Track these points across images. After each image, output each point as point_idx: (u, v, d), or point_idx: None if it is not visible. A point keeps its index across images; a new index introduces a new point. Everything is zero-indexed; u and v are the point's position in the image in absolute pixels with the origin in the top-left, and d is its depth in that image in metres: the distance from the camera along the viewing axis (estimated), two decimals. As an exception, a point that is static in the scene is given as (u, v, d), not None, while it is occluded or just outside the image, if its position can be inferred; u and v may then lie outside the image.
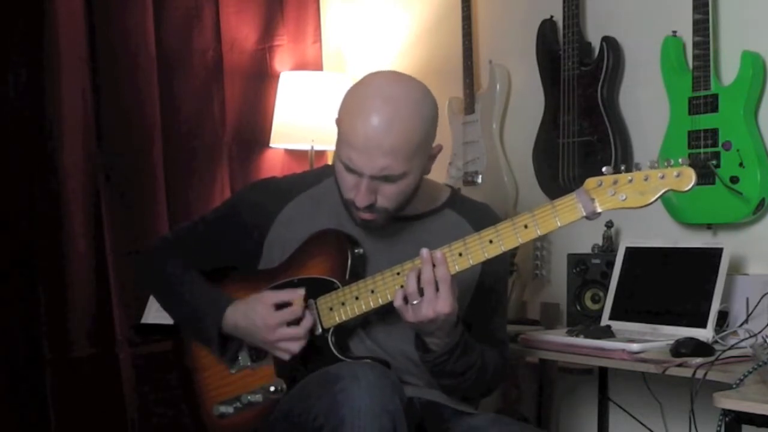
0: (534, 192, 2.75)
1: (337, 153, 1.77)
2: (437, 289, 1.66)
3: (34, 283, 2.80)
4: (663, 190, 1.57)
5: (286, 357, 1.80)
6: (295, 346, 1.78)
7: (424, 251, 1.67)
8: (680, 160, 1.57)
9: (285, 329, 1.78)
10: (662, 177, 1.57)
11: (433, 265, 1.66)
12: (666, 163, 1.58)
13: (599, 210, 1.61)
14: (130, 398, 2.91)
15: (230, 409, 1.90)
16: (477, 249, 1.67)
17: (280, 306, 1.80)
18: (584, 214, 1.61)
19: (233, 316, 1.85)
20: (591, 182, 1.62)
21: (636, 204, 1.59)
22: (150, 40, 3.04)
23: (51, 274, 2.82)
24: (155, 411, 2.93)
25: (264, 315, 1.79)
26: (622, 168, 1.61)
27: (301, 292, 1.79)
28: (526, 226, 1.65)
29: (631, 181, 1.58)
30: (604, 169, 1.61)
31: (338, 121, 1.78)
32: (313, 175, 2.01)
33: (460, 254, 1.68)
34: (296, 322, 1.79)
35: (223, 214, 2.00)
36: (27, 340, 2.78)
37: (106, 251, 2.89)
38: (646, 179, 1.58)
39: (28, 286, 2.80)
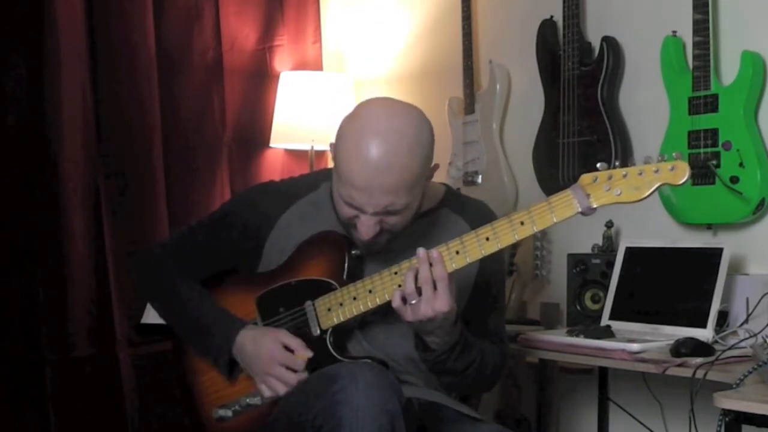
0: (534, 192, 2.74)
1: (336, 187, 1.76)
2: (435, 288, 1.65)
3: (34, 283, 2.80)
4: (657, 184, 1.58)
5: (268, 393, 1.82)
6: (282, 389, 1.80)
7: (421, 251, 1.67)
8: (674, 154, 1.57)
9: (282, 369, 1.80)
10: (657, 171, 1.58)
11: (430, 264, 1.66)
12: (660, 158, 1.58)
13: (594, 205, 1.61)
14: (130, 398, 2.92)
15: (229, 413, 1.89)
16: (474, 246, 1.67)
17: (288, 348, 1.81)
18: (580, 209, 1.61)
19: (244, 339, 1.85)
20: (586, 178, 1.62)
21: (631, 198, 1.59)
22: (150, 40, 3.04)
23: (51, 274, 2.82)
24: (155, 411, 2.94)
25: (271, 348, 1.81)
26: (617, 164, 1.61)
27: (309, 353, 1.80)
28: (522, 223, 1.65)
29: (625, 176, 1.59)
30: (599, 165, 1.61)
31: (334, 155, 1.75)
32: (311, 180, 2.00)
33: (457, 252, 1.68)
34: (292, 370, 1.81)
35: (221, 218, 1.99)
36: (27, 340, 2.78)
37: (106, 251, 2.90)
38: (640, 174, 1.58)
39: (28, 286, 2.80)
